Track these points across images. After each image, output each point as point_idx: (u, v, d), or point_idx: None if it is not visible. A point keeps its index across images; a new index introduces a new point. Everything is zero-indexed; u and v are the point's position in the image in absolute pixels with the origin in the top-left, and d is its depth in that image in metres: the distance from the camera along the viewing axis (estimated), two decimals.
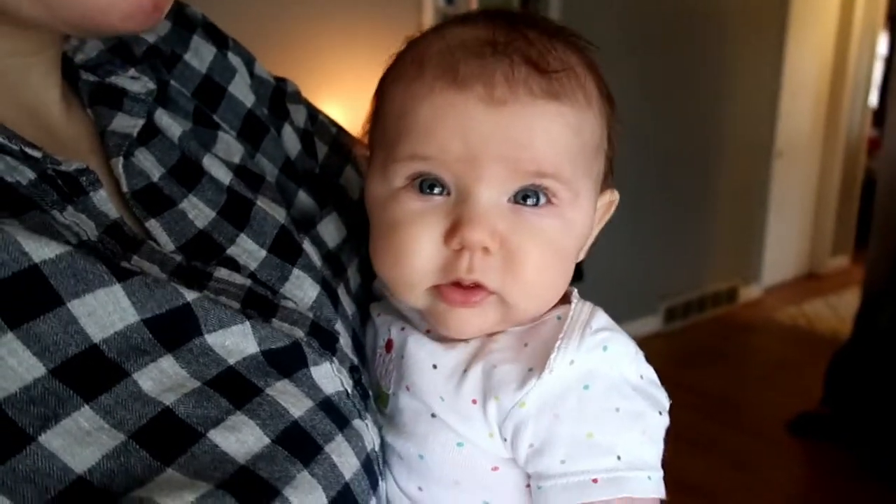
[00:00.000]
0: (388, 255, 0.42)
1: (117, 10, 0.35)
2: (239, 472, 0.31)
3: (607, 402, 0.40)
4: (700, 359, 3.50)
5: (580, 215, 0.43)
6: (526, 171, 0.40)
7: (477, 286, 0.41)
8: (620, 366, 0.41)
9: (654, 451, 0.41)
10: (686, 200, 3.76)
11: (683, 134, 3.62)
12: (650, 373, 0.43)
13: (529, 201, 0.41)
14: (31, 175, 0.34)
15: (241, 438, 0.32)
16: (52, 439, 0.28)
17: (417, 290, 0.42)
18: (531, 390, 0.39)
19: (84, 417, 0.29)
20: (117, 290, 0.32)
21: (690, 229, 3.84)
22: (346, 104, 2.52)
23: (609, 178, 0.48)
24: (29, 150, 0.34)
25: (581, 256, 0.47)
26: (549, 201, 0.41)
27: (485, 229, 0.39)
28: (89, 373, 0.30)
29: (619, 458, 0.39)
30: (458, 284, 0.41)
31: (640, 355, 0.43)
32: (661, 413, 0.41)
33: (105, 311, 0.32)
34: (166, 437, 0.31)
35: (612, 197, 0.49)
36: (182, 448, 0.31)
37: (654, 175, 3.56)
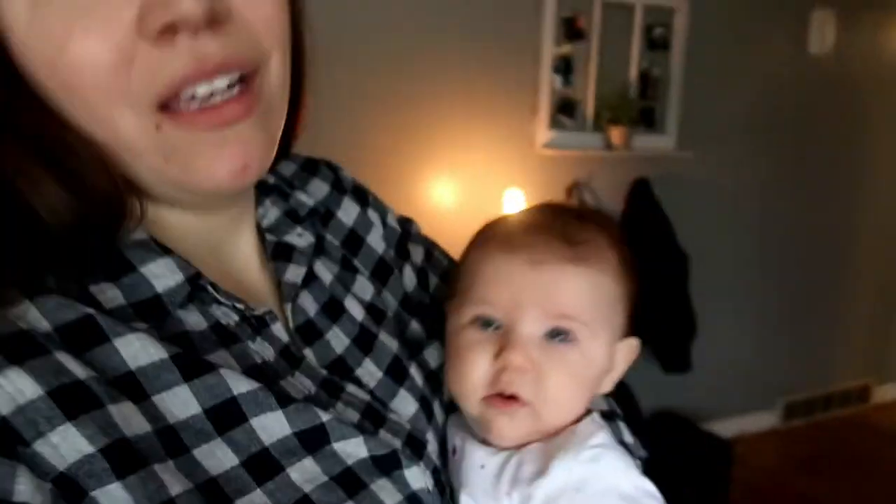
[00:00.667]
0: (454, 372, 0.56)
1: (217, 178, 0.43)
2: None
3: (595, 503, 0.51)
4: (821, 464, 3.22)
5: (597, 352, 0.55)
6: (555, 314, 0.53)
7: (514, 397, 0.53)
8: (610, 476, 0.51)
9: None
10: (814, 290, 3.56)
11: (814, 222, 3.46)
12: (646, 484, 0.52)
13: (558, 337, 0.54)
14: (235, 317, 0.48)
15: None
16: None
17: (473, 400, 0.55)
18: (538, 487, 0.51)
19: (258, 497, 0.42)
20: (280, 414, 0.45)
21: (818, 321, 3.61)
22: (456, 180, 2.61)
23: (630, 331, 0.60)
24: (237, 304, 0.48)
25: (606, 389, 0.59)
26: (572, 338, 0.54)
27: (522, 354, 0.52)
28: (262, 466, 0.43)
29: None
30: (501, 395, 0.53)
31: (633, 469, 0.53)
32: None
33: (273, 427, 0.44)
34: None
35: (632, 343, 0.60)
36: None
37: (780, 263, 3.41)
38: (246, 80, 0.43)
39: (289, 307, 0.53)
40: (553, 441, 0.54)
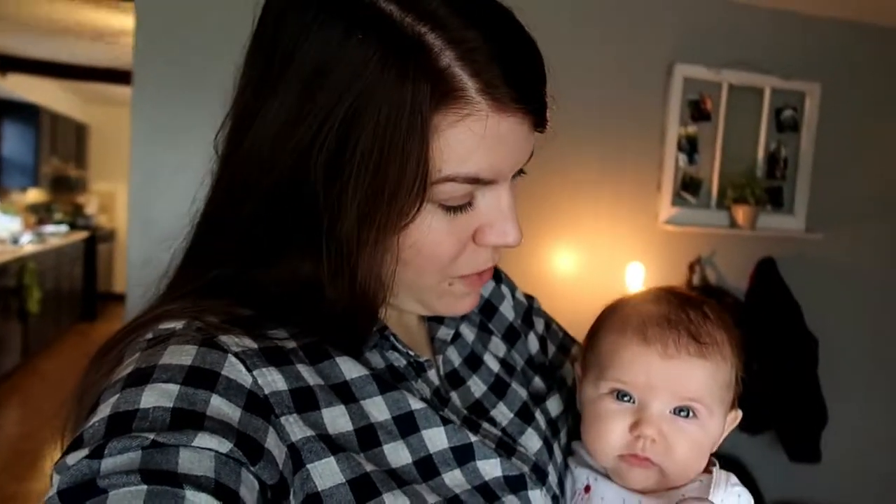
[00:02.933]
0: (593, 434, 0.66)
1: (459, 311, 0.63)
2: None
3: None
4: None
5: (713, 425, 0.65)
6: (682, 397, 0.64)
7: (646, 458, 0.63)
8: None
9: None
10: None
11: None
12: None
13: (682, 414, 0.64)
14: (404, 362, 0.61)
15: None
16: (423, 491, 0.53)
17: (609, 457, 0.65)
18: None
19: (423, 489, 0.53)
20: (442, 430, 0.58)
21: None
22: (580, 250, 2.70)
23: (736, 403, 0.69)
24: (410, 352, 0.61)
25: (714, 449, 0.68)
26: (694, 415, 0.64)
27: (654, 428, 0.63)
28: (426, 467, 0.56)
29: None
30: (635, 456, 0.63)
31: None
32: None
33: (436, 439, 0.57)
34: None
35: (737, 414, 0.70)
36: None
37: None
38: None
39: (440, 358, 0.66)
40: (683, 488, 0.64)
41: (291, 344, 0.54)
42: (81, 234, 7.04)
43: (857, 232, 3.06)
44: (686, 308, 0.66)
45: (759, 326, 2.74)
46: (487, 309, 0.78)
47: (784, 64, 2.86)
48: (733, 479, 0.64)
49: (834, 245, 2.99)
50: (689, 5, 2.78)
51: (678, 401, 0.63)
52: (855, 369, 3.07)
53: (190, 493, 0.41)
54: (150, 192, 2.31)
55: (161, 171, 2.30)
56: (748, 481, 0.66)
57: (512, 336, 0.77)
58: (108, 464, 0.41)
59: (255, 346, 0.52)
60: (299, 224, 0.52)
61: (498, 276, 0.83)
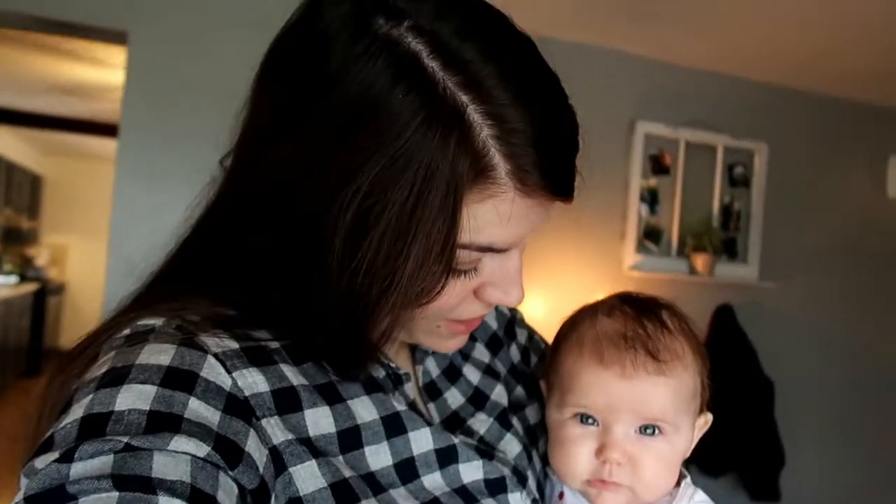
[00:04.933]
0: (559, 459, 0.65)
1: (445, 349, 0.61)
2: None
3: None
4: None
5: (681, 439, 0.65)
6: (644, 416, 0.62)
7: (614, 483, 0.62)
8: None
9: None
10: None
11: None
12: None
13: (647, 432, 0.63)
14: (382, 373, 0.59)
15: None
16: (398, 497, 0.52)
17: (576, 482, 0.64)
18: None
19: (402, 492, 0.53)
20: (428, 431, 0.57)
21: None
22: (547, 293, 2.80)
23: (705, 406, 0.68)
24: (390, 364, 0.59)
25: (685, 457, 0.67)
26: (660, 432, 0.63)
27: (619, 451, 0.62)
28: (407, 470, 0.54)
29: None
30: (602, 481, 0.63)
31: None
32: None
33: (421, 440, 0.56)
34: None
35: (707, 418, 0.69)
36: None
37: (873, 403, 3.36)
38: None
39: (420, 369, 0.65)
40: (660, 501, 0.64)
41: (275, 344, 0.53)
42: (31, 287, 6.85)
43: (808, 281, 3.25)
44: (642, 320, 0.64)
45: (717, 370, 2.86)
46: None
47: (734, 124, 3.09)
48: (699, 494, 0.64)
49: (786, 293, 3.18)
50: (648, 69, 3.00)
51: (641, 420, 0.62)
52: (810, 413, 3.21)
53: (164, 500, 0.39)
54: (130, 236, 2.33)
55: (141, 216, 2.33)
56: None
57: (495, 345, 0.76)
58: (78, 468, 0.39)
59: (236, 346, 0.50)
60: (301, 259, 0.49)
61: None
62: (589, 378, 0.63)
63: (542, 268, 2.79)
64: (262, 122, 0.51)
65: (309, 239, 0.48)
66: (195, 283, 0.55)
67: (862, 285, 3.37)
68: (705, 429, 0.69)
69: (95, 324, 0.55)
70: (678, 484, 0.65)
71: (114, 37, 2.39)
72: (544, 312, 2.79)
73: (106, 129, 5.20)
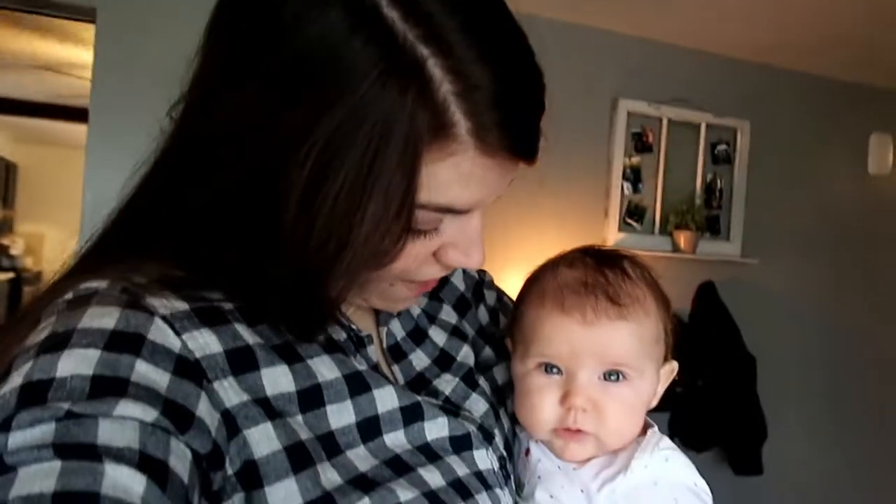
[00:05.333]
0: (525, 410, 0.65)
1: (397, 308, 0.62)
2: (429, 493, 0.52)
3: (669, 494, 0.61)
4: None
5: (645, 384, 0.65)
6: (607, 362, 0.62)
7: (579, 431, 0.62)
8: (679, 473, 0.62)
9: None
10: (887, 406, 3.50)
11: (877, 334, 3.48)
12: (702, 482, 0.63)
13: (612, 378, 0.63)
14: (344, 335, 0.58)
15: (432, 479, 0.53)
16: (355, 458, 0.51)
17: (542, 432, 0.64)
18: (620, 484, 0.60)
19: (361, 451, 0.52)
20: (392, 389, 0.56)
21: (892, 436, 3.53)
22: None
23: (669, 354, 0.68)
24: (351, 326, 0.58)
25: (653, 405, 0.67)
26: (624, 378, 0.63)
27: (584, 397, 0.62)
28: (369, 428, 0.53)
29: None
30: (567, 430, 0.62)
31: (693, 469, 0.63)
32: None
33: (386, 399, 0.55)
34: (396, 468, 0.52)
35: (672, 367, 0.69)
36: (402, 473, 0.52)
37: (854, 378, 3.41)
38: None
39: (384, 331, 0.63)
40: (622, 451, 0.63)
41: (228, 305, 0.51)
42: (6, 276, 6.74)
43: (790, 258, 3.28)
44: (603, 269, 0.64)
45: (701, 346, 2.88)
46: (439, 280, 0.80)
47: (717, 102, 3.09)
48: (665, 441, 0.63)
49: (768, 270, 3.20)
50: (631, 47, 2.99)
51: (605, 366, 0.62)
52: (791, 388, 3.24)
53: (110, 468, 0.37)
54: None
55: (113, 201, 2.28)
56: None
57: (462, 306, 0.75)
58: (17, 438, 0.38)
59: (185, 307, 0.48)
60: (253, 217, 0.48)
61: None
62: (551, 327, 0.62)
63: (523, 246, 2.78)
64: (213, 74, 0.49)
65: (261, 197, 0.46)
66: (142, 243, 0.52)
67: (843, 262, 3.40)
68: (671, 377, 0.69)
69: None
70: (644, 433, 0.65)
71: (83, 13, 2.33)
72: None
73: (79, 115, 5.11)
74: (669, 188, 3.04)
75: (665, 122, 3.02)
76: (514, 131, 0.47)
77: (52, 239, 7.74)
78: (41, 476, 0.36)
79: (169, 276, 0.50)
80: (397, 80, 0.43)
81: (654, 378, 0.66)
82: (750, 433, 2.93)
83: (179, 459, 0.41)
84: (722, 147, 3.14)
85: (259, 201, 0.46)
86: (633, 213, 2.99)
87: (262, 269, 0.49)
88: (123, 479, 0.37)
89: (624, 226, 2.97)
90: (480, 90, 0.45)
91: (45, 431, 0.38)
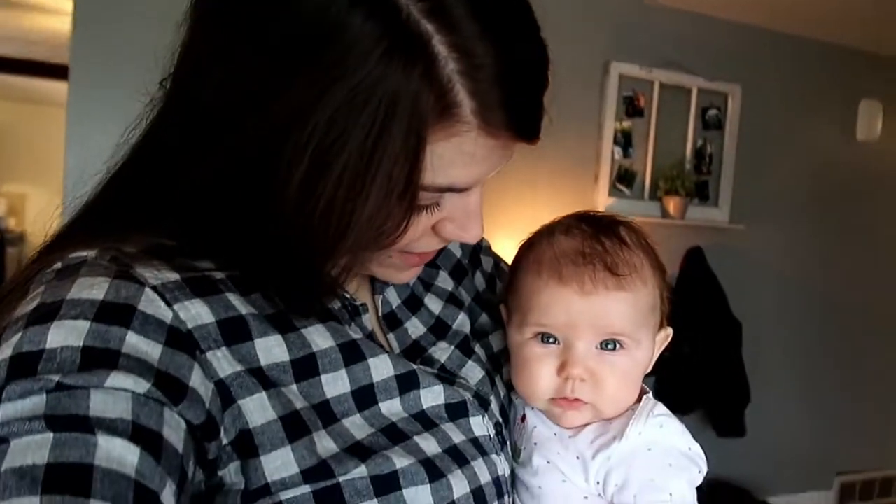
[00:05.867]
0: (522, 380, 0.65)
1: (397, 281, 0.61)
2: (425, 460, 0.52)
3: (663, 460, 0.61)
4: None
5: (642, 353, 0.65)
6: (605, 332, 0.62)
7: (577, 399, 0.62)
8: (673, 438, 0.62)
9: (692, 494, 0.61)
10: (870, 370, 3.58)
11: (862, 299, 3.53)
12: (696, 447, 0.63)
13: (608, 347, 0.63)
14: (339, 304, 0.57)
15: (428, 447, 0.53)
16: (350, 427, 0.51)
17: (539, 401, 0.64)
18: (616, 449, 0.60)
19: (357, 419, 0.51)
20: (387, 357, 0.56)
21: (876, 403, 3.61)
22: (520, 236, 2.77)
23: (664, 321, 0.68)
24: (346, 294, 0.57)
25: (647, 371, 0.67)
26: (621, 347, 0.63)
27: (581, 367, 0.62)
28: (364, 397, 0.53)
29: (670, 495, 0.59)
30: (565, 398, 0.62)
31: (688, 434, 0.63)
32: (700, 472, 0.62)
33: (381, 367, 0.55)
34: (392, 436, 0.53)
35: (667, 333, 0.69)
36: (398, 441, 0.52)
37: (828, 338, 3.46)
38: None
39: (379, 299, 0.63)
40: (617, 419, 0.63)
41: (220, 274, 0.50)
42: None
43: (777, 223, 3.30)
44: (599, 237, 0.63)
45: (688, 311, 2.90)
46: None
47: (709, 66, 3.06)
48: (659, 408, 0.64)
49: (755, 235, 3.21)
50: (623, 8, 2.95)
51: (602, 336, 0.62)
52: (775, 353, 3.29)
53: (102, 440, 0.37)
54: (86, 182, 2.24)
55: (97, 160, 2.24)
56: None
57: (459, 273, 0.75)
58: (7, 410, 0.37)
59: (176, 277, 0.47)
60: (251, 196, 0.47)
61: None
62: (549, 297, 0.62)
63: (514, 211, 2.77)
64: (204, 46, 0.47)
65: (260, 176, 0.45)
66: (132, 212, 0.51)
67: (829, 228, 3.42)
68: (666, 343, 0.69)
69: None
70: (640, 400, 0.65)
71: None
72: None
73: (58, 72, 5.00)
74: (660, 153, 3.03)
75: (657, 85, 2.99)
76: (519, 112, 0.47)
77: (35, 199, 7.64)
78: (33, 448, 0.36)
79: (159, 245, 0.49)
80: (402, 58, 0.41)
81: (650, 346, 0.66)
82: (733, 397, 2.98)
83: (173, 430, 0.41)
84: (713, 112, 3.12)
85: (259, 179, 0.45)
86: (623, 178, 2.98)
87: (261, 246, 0.48)
88: (117, 450, 0.37)
89: (614, 191, 2.96)
90: (485, 69, 0.44)
91: (35, 403, 0.38)
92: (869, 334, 3.55)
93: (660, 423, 0.62)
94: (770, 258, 3.29)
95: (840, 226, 3.45)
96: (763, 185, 3.25)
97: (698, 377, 2.89)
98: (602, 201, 2.93)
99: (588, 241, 0.63)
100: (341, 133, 0.42)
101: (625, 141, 2.97)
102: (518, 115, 0.47)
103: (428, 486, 0.51)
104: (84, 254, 0.47)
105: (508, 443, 0.66)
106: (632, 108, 2.97)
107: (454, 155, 0.46)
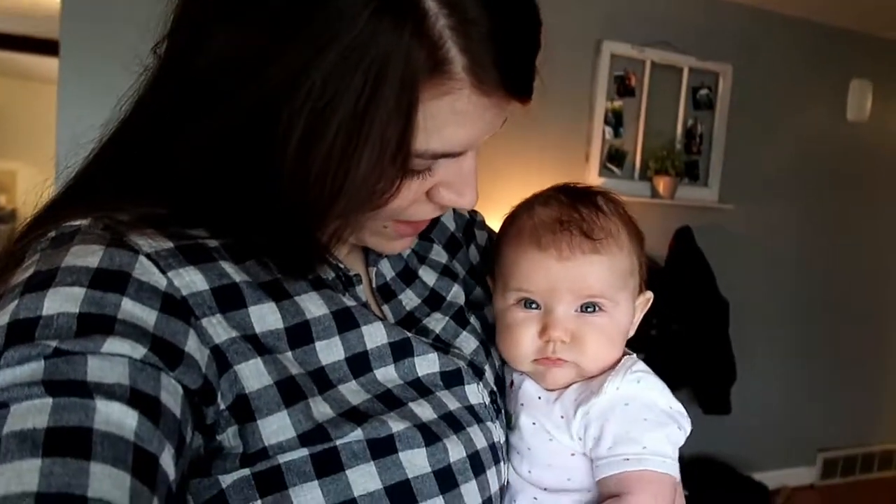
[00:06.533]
0: (506, 343, 0.67)
1: (391, 251, 0.61)
2: (420, 425, 0.53)
3: (640, 414, 0.62)
4: None
5: (620, 314, 0.67)
6: (583, 295, 0.65)
7: (559, 359, 0.65)
8: (651, 394, 0.64)
9: (671, 448, 0.62)
10: (854, 349, 3.63)
11: (849, 278, 3.58)
12: (678, 405, 0.65)
13: (588, 309, 0.65)
14: (333, 274, 0.57)
15: (423, 413, 0.55)
16: (346, 392, 0.52)
17: (523, 363, 0.67)
18: (594, 404, 0.62)
19: (353, 385, 0.53)
20: (381, 325, 0.56)
21: (858, 380, 3.67)
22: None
23: (644, 286, 0.71)
24: (340, 265, 0.57)
25: (630, 334, 0.70)
26: (600, 309, 0.65)
27: (562, 329, 0.64)
28: (359, 364, 0.54)
29: (644, 447, 0.61)
30: (547, 359, 0.65)
31: (668, 392, 0.65)
32: (680, 429, 0.63)
33: (375, 334, 0.56)
34: (387, 402, 0.54)
35: (647, 296, 0.72)
36: (394, 407, 0.53)
37: (816, 317, 3.50)
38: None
39: (373, 270, 0.63)
40: (598, 377, 0.65)
41: (213, 242, 0.51)
42: None
43: (765, 204, 3.32)
44: (577, 206, 0.66)
45: (676, 290, 2.93)
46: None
47: (700, 45, 3.07)
48: (639, 365, 0.65)
49: (744, 216, 3.24)
50: None
51: (581, 299, 0.64)
52: (761, 332, 3.33)
53: (101, 404, 0.38)
54: (78, 157, 2.24)
55: (88, 135, 2.24)
56: None
57: (453, 246, 0.75)
58: (6, 375, 0.38)
59: (170, 245, 0.48)
60: (244, 161, 0.47)
61: None
62: (529, 264, 0.65)
63: (504, 189, 2.77)
64: (198, 11, 0.47)
65: (255, 138, 0.45)
66: (125, 180, 0.52)
67: (818, 208, 3.45)
68: (647, 307, 0.72)
69: None
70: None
71: None
72: None
73: (49, 48, 4.95)
74: (650, 133, 3.04)
75: (648, 65, 3.00)
76: (511, 69, 0.47)
77: (26, 176, 7.58)
78: (33, 412, 0.36)
79: (152, 213, 0.49)
80: (392, 15, 0.42)
81: (629, 308, 0.68)
82: (720, 375, 3.02)
83: (171, 395, 0.41)
84: (703, 92, 3.13)
85: (253, 143, 0.46)
86: (614, 158, 3.00)
87: (252, 210, 0.49)
88: (115, 414, 0.38)
89: (604, 171, 2.98)
90: (477, 25, 0.44)
91: (34, 369, 0.38)
92: (853, 315, 3.60)
93: (637, 378, 0.64)
94: (758, 238, 3.32)
95: (829, 206, 3.48)
96: (753, 165, 3.27)
97: (686, 355, 2.92)
98: (592, 181, 2.93)
99: (565, 209, 0.66)
100: (335, 94, 0.42)
101: (615, 121, 2.98)
102: (510, 72, 0.47)
103: (424, 449, 0.52)
104: (78, 222, 0.47)
105: (503, 411, 0.68)
106: (623, 87, 2.98)
107: (447, 114, 0.46)
